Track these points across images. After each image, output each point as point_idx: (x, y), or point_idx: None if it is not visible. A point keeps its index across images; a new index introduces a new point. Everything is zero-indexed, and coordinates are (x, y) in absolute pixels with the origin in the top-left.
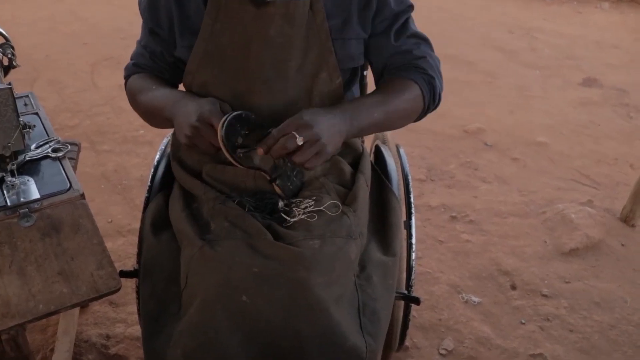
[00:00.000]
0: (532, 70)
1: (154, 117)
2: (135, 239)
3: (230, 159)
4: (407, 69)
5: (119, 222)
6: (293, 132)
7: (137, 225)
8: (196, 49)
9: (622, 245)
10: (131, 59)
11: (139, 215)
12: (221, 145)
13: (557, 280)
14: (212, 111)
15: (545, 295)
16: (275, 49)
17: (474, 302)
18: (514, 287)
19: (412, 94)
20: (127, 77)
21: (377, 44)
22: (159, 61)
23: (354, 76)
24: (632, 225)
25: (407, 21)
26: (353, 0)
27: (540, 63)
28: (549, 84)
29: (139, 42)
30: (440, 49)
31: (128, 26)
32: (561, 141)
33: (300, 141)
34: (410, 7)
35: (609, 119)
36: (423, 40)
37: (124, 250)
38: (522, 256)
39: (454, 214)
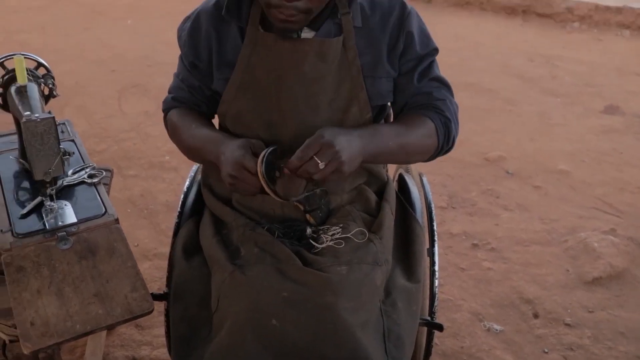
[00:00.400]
0: (553, 98)
1: (195, 156)
2: (161, 263)
3: (271, 194)
4: (425, 108)
5: (145, 246)
6: (314, 157)
7: (163, 249)
8: (233, 79)
9: None
10: (169, 92)
11: (165, 239)
12: (262, 181)
13: (580, 309)
14: (244, 156)
15: (568, 325)
16: (307, 83)
17: (496, 330)
18: (536, 316)
19: (427, 131)
20: (166, 111)
21: (400, 84)
22: (197, 94)
23: (382, 112)
24: None
25: (431, 64)
26: (383, 40)
27: (561, 90)
28: (570, 112)
29: (176, 76)
30: (459, 77)
31: (153, 54)
32: (583, 169)
33: (322, 166)
34: (435, 50)
35: (632, 147)
36: (445, 85)
37: (149, 274)
38: (544, 285)
39: (475, 242)
